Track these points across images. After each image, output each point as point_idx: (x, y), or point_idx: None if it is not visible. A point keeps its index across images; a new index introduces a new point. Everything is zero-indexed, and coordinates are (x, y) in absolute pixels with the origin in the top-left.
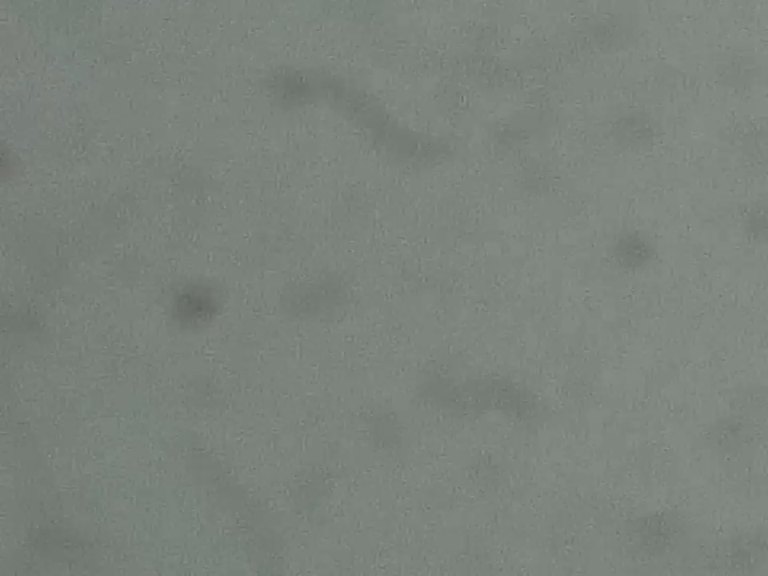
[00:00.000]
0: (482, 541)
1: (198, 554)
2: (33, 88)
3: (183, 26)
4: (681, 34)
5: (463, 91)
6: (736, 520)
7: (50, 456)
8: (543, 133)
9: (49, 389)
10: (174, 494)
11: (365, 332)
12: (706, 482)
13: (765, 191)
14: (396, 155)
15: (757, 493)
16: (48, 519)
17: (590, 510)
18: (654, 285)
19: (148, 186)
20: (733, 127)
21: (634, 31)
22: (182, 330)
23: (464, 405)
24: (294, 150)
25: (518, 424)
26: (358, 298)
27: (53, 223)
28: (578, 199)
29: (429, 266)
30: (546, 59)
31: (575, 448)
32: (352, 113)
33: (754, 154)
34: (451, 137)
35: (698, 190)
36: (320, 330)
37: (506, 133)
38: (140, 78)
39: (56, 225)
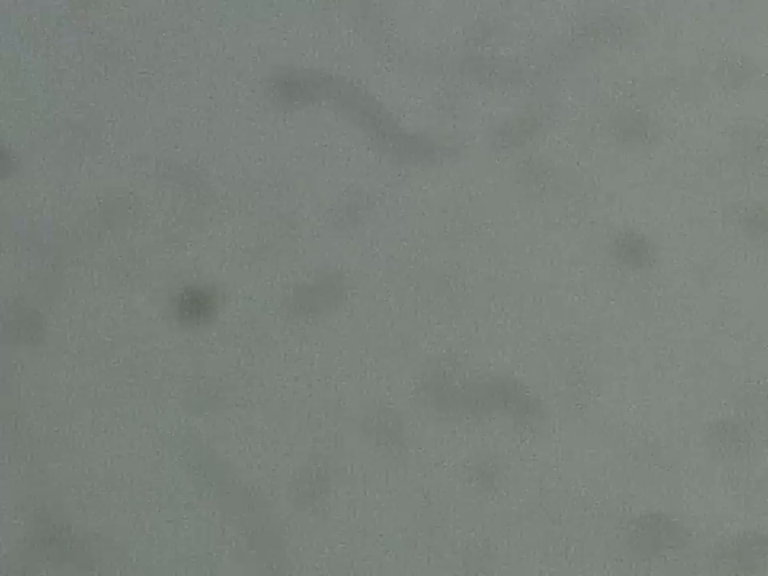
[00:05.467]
0: (481, 540)
1: (198, 554)
2: (33, 88)
3: (183, 26)
4: (681, 34)
5: (463, 91)
6: (736, 520)
7: (49, 456)
8: (543, 133)
9: (49, 389)
10: (174, 493)
11: (365, 332)
12: (706, 482)
13: (765, 191)
14: (396, 155)
15: (757, 493)
16: (48, 519)
17: (590, 511)
18: (654, 285)
19: (148, 185)
20: (733, 127)
21: (634, 31)
22: (182, 329)
23: (464, 405)
24: (294, 150)
25: (518, 424)
26: (358, 298)
27: (53, 223)
28: (578, 199)
29: (429, 266)
30: (546, 59)
31: (575, 448)
32: (352, 113)
33: (754, 154)
34: (451, 137)
35: (698, 189)
36: (320, 330)
37: (506, 133)
38: (140, 78)
39: (56, 225)
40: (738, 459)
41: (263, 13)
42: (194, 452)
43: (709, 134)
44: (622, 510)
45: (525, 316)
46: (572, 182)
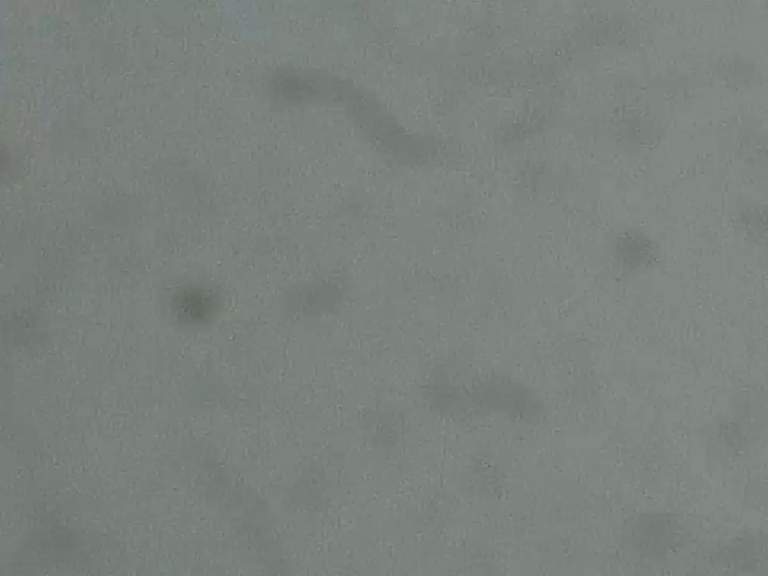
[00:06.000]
0: (481, 540)
1: (198, 554)
2: (33, 87)
3: (183, 26)
4: (681, 34)
5: (463, 91)
6: (736, 520)
7: (49, 456)
8: (543, 133)
9: (49, 389)
10: (174, 493)
11: (365, 332)
12: (706, 481)
13: (764, 192)
14: (396, 155)
15: (757, 493)
16: (48, 519)
17: (591, 510)
18: (654, 285)
19: (148, 185)
20: (733, 128)
21: (634, 31)
22: (182, 330)
23: (464, 405)
24: (294, 149)
25: (519, 424)
26: (358, 298)
27: (53, 223)
28: (578, 199)
29: (429, 266)
30: (546, 59)
31: (575, 448)
32: (352, 113)
33: (754, 155)
34: (451, 137)
35: (698, 190)
36: (320, 330)
37: (506, 133)
38: (140, 79)
39: (56, 225)
40: (738, 459)
41: (263, 13)
42: (194, 452)
43: (709, 134)
44: (622, 509)
45: (525, 316)
46: (572, 182)
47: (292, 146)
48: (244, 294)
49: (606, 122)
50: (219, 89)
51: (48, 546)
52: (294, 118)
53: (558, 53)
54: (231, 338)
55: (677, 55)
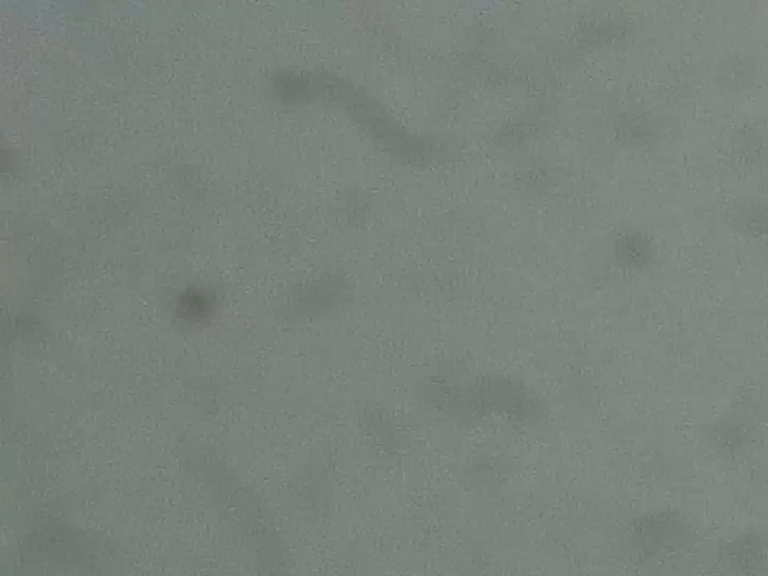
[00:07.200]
0: (482, 541)
1: (198, 554)
2: (33, 88)
3: (183, 25)
4: (681, 35)
5: (463, 91)
6: (736, 520)
7: (49, 456)
8: (543, 133)
9: (49, 389)
10: (174, 493)
11: (365, 332)
12: (706, 481)
13: (764, 191)
14: (396, 155)
15: (757, 493)
16: (48, 519)
17: (590, 510)
18: (654, 285)
19: (148, 185)
20: (733, 128)
21: (634, 31)
22: (183, 330)
23: (464, 405)
24: (294, 150)
25: (518, 425)
26: (358, 298)
27: (53, 223)
28: (578, 199)
29: (429, 266)
30: (546, 59)
31: (575, 448)
32: (352, 113)
33: (754, 155)
34: (451, 137)
35: (698, 190)
36: (320, 330)
37: (506, 133)
38: (140, 78)
39: (56, 225)
40: (738, 459)
41: (263, 13)
42: (194, 452)
43: (709, 134)
44: (622, 509)
45: (525, 316)
46: (572, 181)
47: (292, 145)
48: (244, 294)
49: (606, 122)
50: (219, 89)
51: (48, 545)
52: (294, 117)
53: (558, 53)
54: (231, 337)
55: (677, 55)
